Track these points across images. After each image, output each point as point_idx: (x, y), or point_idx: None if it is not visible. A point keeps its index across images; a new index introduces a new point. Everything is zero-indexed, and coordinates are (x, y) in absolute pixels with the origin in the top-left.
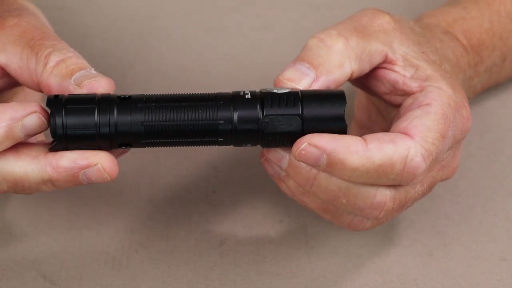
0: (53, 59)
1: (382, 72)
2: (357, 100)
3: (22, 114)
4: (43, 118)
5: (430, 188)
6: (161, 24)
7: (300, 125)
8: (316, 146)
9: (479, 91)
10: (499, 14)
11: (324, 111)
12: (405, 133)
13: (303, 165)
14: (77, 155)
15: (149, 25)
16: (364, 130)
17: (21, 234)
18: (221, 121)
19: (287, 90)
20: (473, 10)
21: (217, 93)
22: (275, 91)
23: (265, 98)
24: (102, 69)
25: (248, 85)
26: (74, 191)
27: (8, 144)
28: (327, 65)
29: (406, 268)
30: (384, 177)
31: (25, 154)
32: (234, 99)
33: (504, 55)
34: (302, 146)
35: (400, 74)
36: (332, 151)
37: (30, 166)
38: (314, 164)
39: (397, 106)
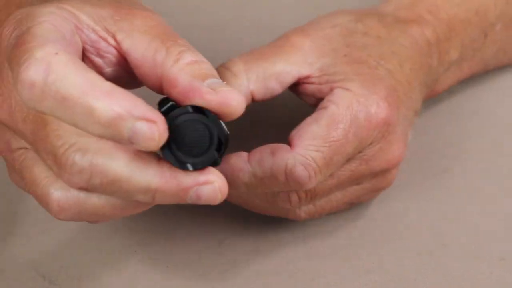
0: (187, 57)
1: (303, 87)
2: None
3: (142, 115)
4: (158, 134)
5: (355, 177)
6: None
7: None
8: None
9: (467, 72)
10: None
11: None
12: (291, 142)
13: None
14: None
15: None
16: None
17: (21, 234)
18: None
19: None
20: None
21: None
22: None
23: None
24: None
25: None
26: None
27: (99, 134)
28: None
29: (406, 268)
30: (275, 187)
31: (137, 156)
32: None
33: (484, 31)
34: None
35: (316, 84)
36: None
37: (139, 169)
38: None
39: None
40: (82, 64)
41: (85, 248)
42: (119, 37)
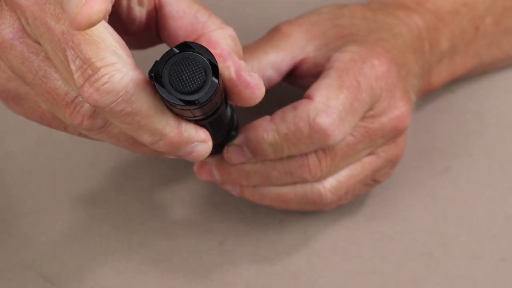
0: (230, 31)
1: (299, 70)
2: None
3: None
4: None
5: (369, 135)
6: None
7: None
8: (235, 146)
9: (461, 67)
10: None
11: None
12: (307, 97)
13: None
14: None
15: None
16: None
17: (21, 234)
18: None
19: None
20: None
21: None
22: None
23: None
24: None
25: None
26: (74, 191)
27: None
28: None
29: (406, 268)
30: (301, 143)
31: (161, 103)
32: None
33: (474, 23)
34: (227, 154)
35: (311, 61)
36: (246, 142)
37: (162, 113)
38: (245, 160)
39: None
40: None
41: (85, 248)
42: None
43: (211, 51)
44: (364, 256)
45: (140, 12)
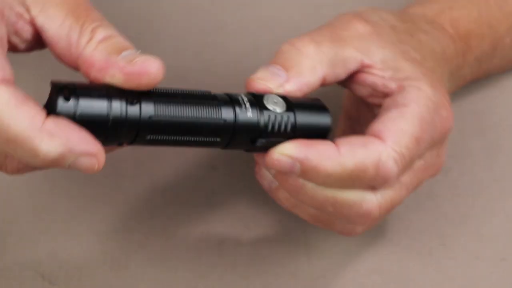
0: (101, 33)
1: (361, 76)
2: (346, 91)
3: (83, 151)
4: (96, 166)
5: (415, 188)
6: (161, 24)
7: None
8: (288, 156)
9: (469, 80)
10: (487, 2)
11: (313, 132)
12: (378, 136)
13: None
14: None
15: (149, 25)
16: (352, 121)
17: (21, 234)
18: (224, 120)
19: (282, 109)
20: None
21: (224, 94)
22: (273, 107)
23: (267, 119)
24: None
25: None
26: (74, 191)
27: (46, 165)
28: (298, 67)
29: (406, 268)
30: (358, 181)
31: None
32: (236, 107)
33: (494, 44)
34: (276, 157)
35: (379, 76)
36: (304, 159)
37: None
38: (290, 172)
39: (380, 106)
40: (21, 95)
41: (85, 248)
42: (33, 11)
43: (91, 71)
44: (364, 256)
45: (23, 43)
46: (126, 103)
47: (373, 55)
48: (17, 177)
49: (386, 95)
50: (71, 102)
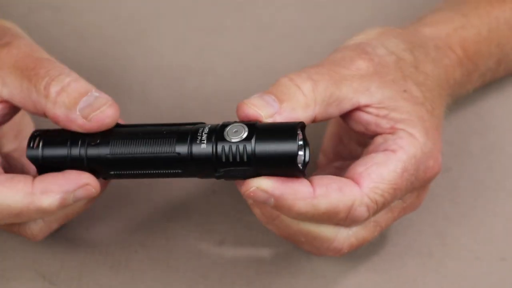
0: (53, 90)
1: (356, 114)
2: (327, 129)
3: (75, 187)
4: (93, 190)
5: (389, 225)
6: (161, 24)
7: (253, 173)
8: (263, 191)
9: (470, 92)
10: (498, 21)
11: (277, 161)
12: (357, 180)
13: None
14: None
15: (149, 25)
16: (329, 158)
17: None
18: (177, 153)
19: (241, 137)
20: (473, 18)
21: (178, 127)
22: (231, 137)
23: (220, 151)
24: (101, 70)
25: (248, 84)
26: None
27: (61, 211)
28: (292, 102)
29: (406, 268)
30: (329, 220)
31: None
32: (192, 140)
33: (499, 61)
34: (251, 189)
35: (373, 115)
36: (279, 197)
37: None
38: (264, 203)
39: (370, 137)
40: (9, 176)
41: (85, 248)
42: None
43: (58, 123)
44: (364, 255)
45: (2, 118)
46: (86, 146)
47: (372, 96)
48: None
49: (378, 134)
50: (36, 149)
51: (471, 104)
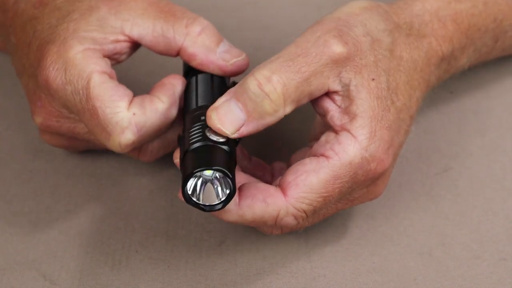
0: (194, 30)
1: (322, 100)
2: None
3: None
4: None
5: (337, 211)
6: None
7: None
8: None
9: (466, 68)
10: None
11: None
12: (284, 190)
13: None
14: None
15: None
16: (317, 139)
17: (21, 234)
18: None
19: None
20: None
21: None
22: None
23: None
24: None
25: None
26: (74, 191)
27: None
28: (260, 111)
29: (406, 268)
30: (259, 227)
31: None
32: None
33: (496, 37)
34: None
35: (335, 105)
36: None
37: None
38: None
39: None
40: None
41: (85, 248)
42: (126, 30)
43: (192, 61)
44: (364, 255)
45: (123, 55)
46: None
47: (341, 82)
48: (18, 177)
49: (329, 126)
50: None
51: (471, 104)
